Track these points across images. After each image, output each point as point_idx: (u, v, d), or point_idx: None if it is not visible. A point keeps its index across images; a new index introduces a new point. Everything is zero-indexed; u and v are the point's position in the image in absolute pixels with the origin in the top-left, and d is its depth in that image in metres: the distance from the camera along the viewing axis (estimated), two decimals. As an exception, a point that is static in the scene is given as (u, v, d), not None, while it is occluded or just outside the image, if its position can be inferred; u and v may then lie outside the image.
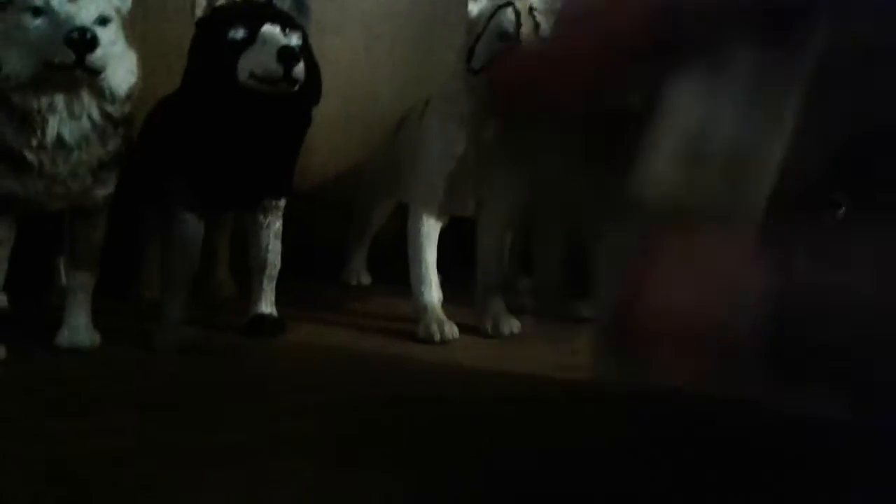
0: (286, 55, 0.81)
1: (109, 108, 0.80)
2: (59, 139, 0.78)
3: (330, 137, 1.38)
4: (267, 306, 0.99)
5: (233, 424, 0.68)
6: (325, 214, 1.36)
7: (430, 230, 1.00)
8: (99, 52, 0.73)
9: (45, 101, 0.76)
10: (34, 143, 0.77)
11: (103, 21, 0.77)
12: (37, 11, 0.74)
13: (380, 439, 0.66)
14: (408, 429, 0.69)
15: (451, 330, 0.97)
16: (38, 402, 0.72)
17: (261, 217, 0.98)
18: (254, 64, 0.82)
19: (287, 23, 0.86)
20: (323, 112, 0.96)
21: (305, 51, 0.87)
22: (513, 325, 1.00)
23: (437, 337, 0.95)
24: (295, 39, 0.86)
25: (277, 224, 0.99)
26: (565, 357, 0.87)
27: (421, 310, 0.99)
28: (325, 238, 1.35)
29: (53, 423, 0.67)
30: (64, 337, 0.87)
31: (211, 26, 0.86)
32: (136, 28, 0.86)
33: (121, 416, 0.70)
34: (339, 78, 1.31)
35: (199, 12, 0.88)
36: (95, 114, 0.79)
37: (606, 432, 0.65)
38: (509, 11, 0.90)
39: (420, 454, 0.63)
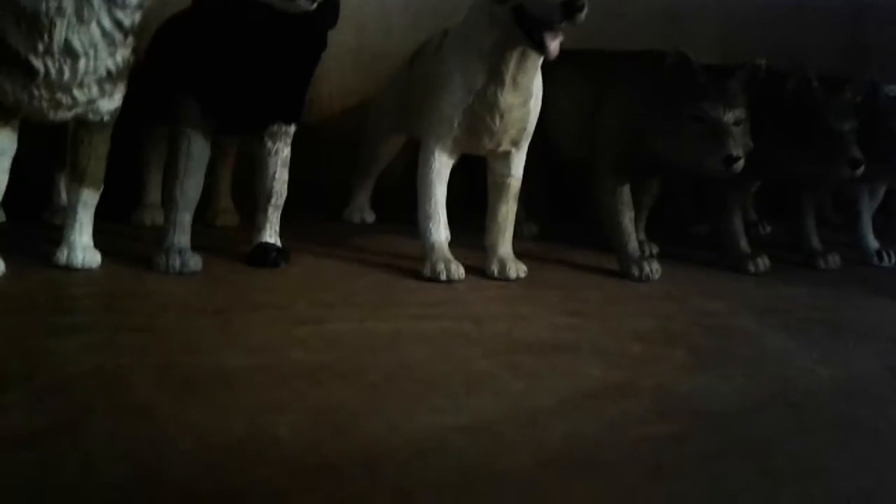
0: (307, -29, 0.77)
1: (120, 15, 0.76)
2: (67, 45, 0.74)
3: (339, 69, 1.35)
4: (271, 236, 0.97)
5: (234, 350, 0.67)
6: (330, 149, 1.34)
7: (442, 167, 0.97)
8: (111, -49, 0.70)
9: (53, 3, 0.72)
10: (41, 47, 0.74)
11: (117, -78, 0.73)
12: None
13: (384, 372, 0.65)
14: (405, 363, 0.67)
15: (458, 270, 0.95)
16: (38, 320, 0.70)
17: (269, 143, 0.95)
18: (273, -22, 0.79)
19: (308, -61, 0.83)
20: (332, 42, 0.93)
21: (326, -32, 0.83)
22: (519, 268, 0.99)
23: (444, 276, 0.94)
24: (315, -45, 0.82)
25: (286, 152, 0.96)
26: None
27: (428, 248, 0.97)
28: (330, 173, 1.33)
29: (54, 342, 0.65)
30: (63, 255, 0.84)
31: (229, -62, 0.82)
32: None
33: (120, 336, 0.68)
34: (350, 7, 1.26)
35: (215, -79, 0.84)
36: (105, 20, 0.75)
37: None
38: (539, -60, 0.86)
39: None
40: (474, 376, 0.65)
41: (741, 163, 0.95)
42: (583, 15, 0.81)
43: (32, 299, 0.76)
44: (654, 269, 1.03)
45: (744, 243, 1.17)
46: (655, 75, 1.00)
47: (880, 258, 1.28)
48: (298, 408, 0.56)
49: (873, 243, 1.31)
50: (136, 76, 0.88)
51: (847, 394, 0.69)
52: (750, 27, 1.71)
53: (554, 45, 0.85)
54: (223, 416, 0.54)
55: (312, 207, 1.26)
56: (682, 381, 0.68)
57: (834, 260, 1.23)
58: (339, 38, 0.97)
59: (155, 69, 0.98)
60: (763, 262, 1.15)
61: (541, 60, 0.90)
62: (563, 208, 1.47)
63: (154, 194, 1.10)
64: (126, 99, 0.84)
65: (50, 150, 1.02)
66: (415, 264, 0.97)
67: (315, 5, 0.80)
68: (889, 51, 1.81)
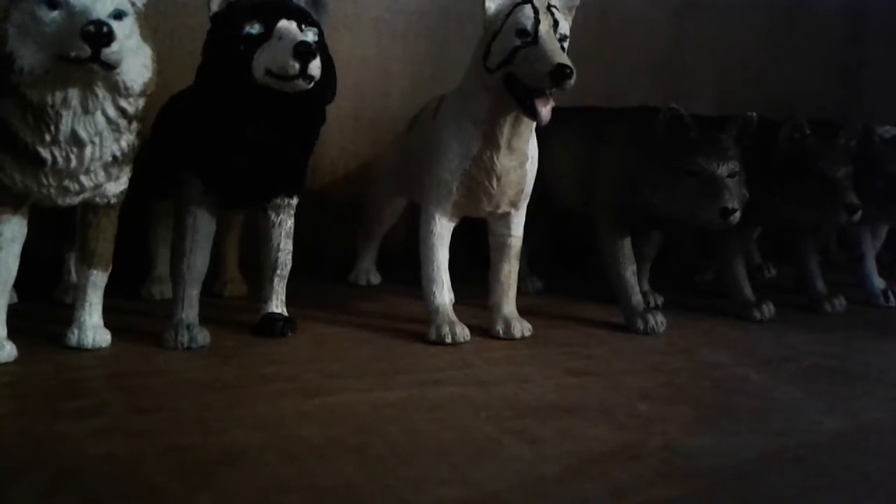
0: (302, 51, 0.80)
1: (124, 104, 0.78)
2: (73, 134, 0.77)
3: (340, 135, 1.37)
4: (278, 306, 0.98)
5: (243, 427, 0.67)
6: (334, 213, 1.36)
7: (443, 230, 0.99)
8: (115, 46, 0.72)
9: (59, 95, 0.75)
10: (48, 138, 0.76)
11: (119, 15, 0.76)
12: (52, 4, 0.73)
13: (392, 444, 0.65)
14: (420, 434, 0.68)
15: (463, 332, 0.96)
16: (52, 404, 0.71)
17: (272, 215, 0.97)
18: (269, 60, 0.81)
19: (303, 18, 0.85)
20: (333, 109, 0.95)
21: (321, 47, 0.86)
22: (524, 327, 0.99)
23: (449, 339, 0.94)
24: (311, 35, 0.85)
25: (289, 223, 0.98)
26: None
27: (432, 311, 0.98)
28: (335, 237, 1.34)
29: (64, 426, 0.66)
30: (74, 336, 0.86)
31: (226, 21, 0.85)
32: (151, 22, 0.85)
33: (131, 418, 0.69)
34: (351, 75, 1.30)
35: (214, 6, 0.87)
36: (110, 109, 0.78)
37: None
38: (527, 9, 0.89)
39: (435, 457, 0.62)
40: (481, 445, 0.65)
41: (737, 215, 0.96)
42: (571, 81, 0.83)
43: (44, 383, 0.77)
44: (658, 321, 1.03)
45: (748, 291, 1.18)
46: (650, 131, 1.02)
47: (886, 298, 1.28)
48: (306, 487, 0.57)
49: (879, 284, 1.31)
50: (143, 154, 0.90)
51: (855, 446, 0.69)
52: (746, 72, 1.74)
53: (545, 111, 0.87)
54: (232, 499, 0.54)
55: (318, 271, 1.27)
56: (690, 440, 0.68)
57: (840, 303, 1.23)
58: (340, 104, 1.00)
59: (159, 147, 1.01)
60: (768, 309, 1.15)
61: (534, 125, 0.92)
62: (567, 260, 1.48)
63: (162, 268, 1.12)
64: (134, 177, 0.87)
65: (60, 230, 1.04)
66: (421, 327, 0.98)
67: (312, 84, 0.82)
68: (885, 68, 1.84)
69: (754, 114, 1.02)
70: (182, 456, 0.61)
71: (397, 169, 1.16)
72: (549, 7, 0.89)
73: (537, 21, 0.87)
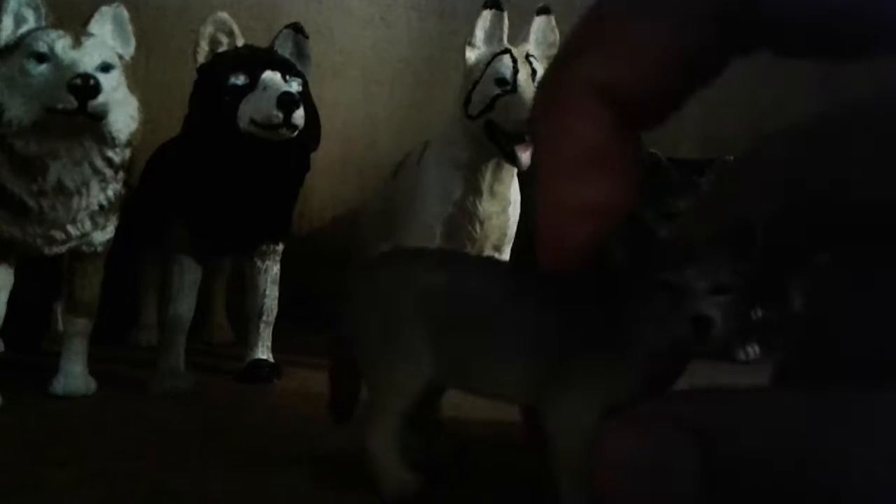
0: (286, 101, 0.81)
1: (110, 154, 0.80)
2: (60, 184, 0.78)
3: (327, 182, 1.39)
4: (263, 352, 0.99)
5: (229, 473, 0.67)
6: (321, 259, 1.37)
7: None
8: (101, 98, 0.74)
9: (46, 146, 0.76)
10: (34, 188, 0.78)
11: (106, 68, 0.78)
12: (41, 58, 0.75)
13: (377, 495, 0.65)
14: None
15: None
16: (34, 451, 0.71)
17: (258, 262, 0.98)
18: (254, 110, 0.83)
19: (288, 69, 0.88)
20: (321, 155, 0.97)
21: (305, 97, 0.88)
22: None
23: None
24: (295, 86, 0.87)
25: (275, 269, 0.99)
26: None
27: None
28: (322, 283, 1.35)
29: (49, 474, 0.66)
30: (60, 384, 0.86)
31: (212, 72, 0.87)
32: (138, 73, 0.87)
33: (113, 465, 0.68)
34: (337, 122, 1.33)
35: (200, 58, 0.89)
36: (97, 159, 0.79)
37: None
38: (506, 58, 0.92)
39: None
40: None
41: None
42: (550, 129, 0.86)
43: (28, 431, 0.77)
44: None
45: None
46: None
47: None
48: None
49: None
50: (130, 204, 0.92)
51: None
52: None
53: (525, 157, 0.89)
54: (212, 546, 0.54)
55: (306, 317, 1.27)
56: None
57: None
58: (327, 151, 1.01)
59: (147, 196, 1.02)
60: (753, 350, 1.16)
61: (515, 170, 0.94)
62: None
63: (149, 315, 1.13)
64: (121, 226, 0.88)
65: (46, 280, 1.05)
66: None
67: (296, 133, 0.84)
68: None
69: (731, 157, 1.04)
70: (163, 502, 0.61)
71: (383, 214, 1.18)
72: (527, 56, 0.92)
73: (516, 70, 0.90)
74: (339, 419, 0.65)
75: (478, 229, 0.96)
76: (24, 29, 0.79)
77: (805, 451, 0.23)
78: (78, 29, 0.80)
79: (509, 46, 0.93)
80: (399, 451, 0.58)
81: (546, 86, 0.32)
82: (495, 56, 0.92)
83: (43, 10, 0.80)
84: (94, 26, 0.82)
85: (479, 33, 0.95)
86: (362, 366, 0.59)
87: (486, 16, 0.95)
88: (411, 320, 0.55)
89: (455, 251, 0.64)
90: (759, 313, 1.53)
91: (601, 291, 0.46)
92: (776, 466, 0.23)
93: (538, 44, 0.95)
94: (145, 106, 0.84)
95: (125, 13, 0.84)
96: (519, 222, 1.01)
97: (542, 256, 0.33)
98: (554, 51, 0.97)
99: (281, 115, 0.81)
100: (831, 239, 0.32)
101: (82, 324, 0.87)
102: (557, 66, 0.31)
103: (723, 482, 0.25)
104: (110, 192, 0.83)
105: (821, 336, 0.34)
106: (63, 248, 0.84)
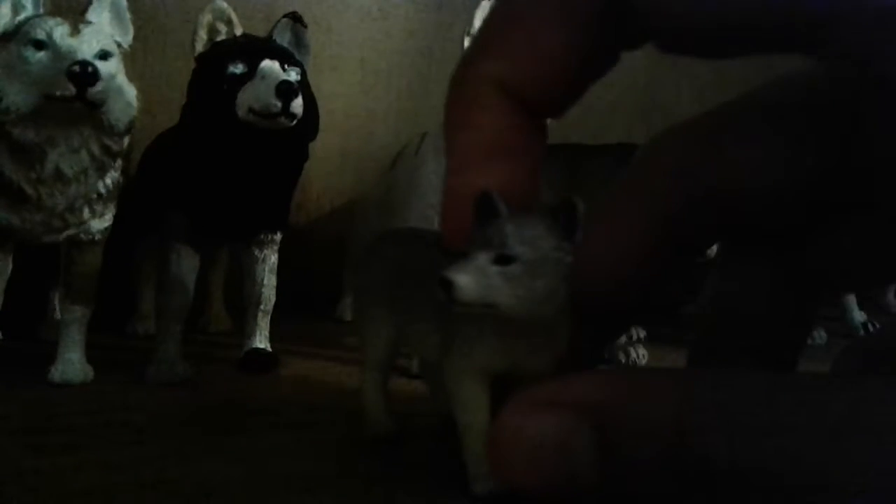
0: (284, 90, 0.81)
1: (108, 142, 0.80)
2: (58, 172, 0.78)
3: (325, 173, 1.39)
4: (261, 341, 0.99)
5: (225, 460, 0.68)
6: (320, 249, 1.37)
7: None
8: (99, 85, 0.74)
9: (44, 134, 0.76)
10: (33, 175, 0.78)
11: (104, 55, 0.78)
12: (39, 45, 0.75)
13: (373, 478, 0.66)
14: (402, 468, 0.68)
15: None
16: (31, 439, 0.71)
17: (256, 251, 0.98)
18: (252, 98, 0.83)
19: (286, 58, 0.88)
20: (319, 146, 0.97)
21: (304, 86, 0.88)
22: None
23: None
24: (294, 75, 0.87)
25: (273, 258, 0.99)
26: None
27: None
28: (320, 273, 1.35)
29: (45, 461, 0.66)
30: (57, 372, 0.86)
31: (210, 61, 0.87)
32: (136, 62, 0.87)
33: (111, 452, 0.69)
34: (335, 114, 1.33)
35: (199, 47, 0.89)
36: (95, 147, 0.79)
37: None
38: (505, 49, 0.91)
39: (414, 496, 0.62)
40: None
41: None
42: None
43: (26, 418, 0.77)
44: (640, 353, 1.04)
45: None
46: (627, 167, 1.04)
47: (867, 331, 1.29)
48: (285, 518, 0.57)
49: (859, 317, 1.32)
50: (128, 193, 0.92)
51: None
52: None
53: (523, 148, 0.89)
54: (210, 531, 0.55)
55: (303, 307, 1.28)
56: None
57: (820, 336, 1.24)
58: (325, 142, 1.02)
59: (145, 185, 1.02)
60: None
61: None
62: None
63: (147, 305, 1.13)
64: (119, 215, 0.88)
65: (43, 267, 1.05)
66: (406, 361, 0.98)
67: (294, 122, 0.84)
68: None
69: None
70: (161, 489, 0.61)
71: (380, 204, 1.18)
72: (525, 47, 0.92)
73: (513, 60, 0.90)
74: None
75: (475, 220, 0.96)
76: (22, 16, 0.79)
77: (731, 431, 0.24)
78: (76, 16, 0.80)
79: (508, 37, 0.93)
80: (382, 398, 0.70)
81: (453, 81, 0.34)
82: (493, 46, 0.92)
83: (41, -2, 0.80)
84: (93, 14, 0.82)
85: (478, 22, 0.95)
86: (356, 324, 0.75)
87: (485, 6, 0.95)
88: (375, 288, 0.67)
89: (431, 231, 0.69)
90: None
91: None
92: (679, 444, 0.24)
93: (537, 34, 0.95)
94: (143, 95, 0.84)
95: (123, 1, 0.85)
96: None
97: (444, 240, 0.37)
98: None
99: (279, 104, 0.81)
100: (726, 231, 0.34)
101: (80, 312, 0.87)
102: (464, 61, 0.33)
103: (623, 464, 0.26)
104: (108, 181, 0.83)
105: (722, 324, 0.36)
106: (61, 236, 0.84)
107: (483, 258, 0.46)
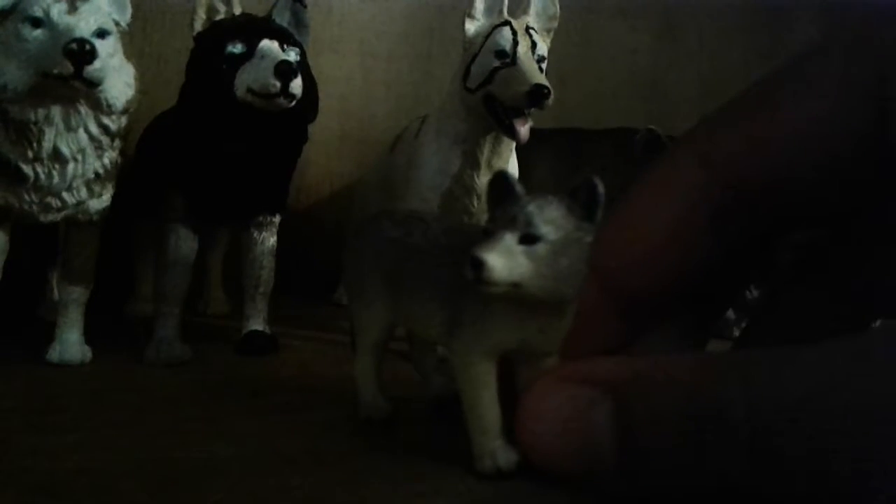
0: (283, 70, 0.81)
1: (106, 121, 0.80)
2: (56, 151, 0.78)
3: (325, 155, 1.39)
4: (259, 323, 0.99)
5: (223, 440, 0.67)
6: (319, 232, 1.37)
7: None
8: (97, 63, 0.73)
9: (42, 112, 0.76)
10: (30, 154, 0.77)
11: (102, 33, 0.77)
12: (36, 23, 0.74)
13: (372, 458, 0.66)
14: (401, 448, 0.68)
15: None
16: (30, 418, 0.71)
17: (255, 233, 0.98)
18: (251, 78, 0.82)
19: (285, 38, 0.87)
20: (318, 130, 0.97)
21: (303, 66, 0.87)
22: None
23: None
24: (293, 55, 0.86)
25: (272, 241, 0.99)
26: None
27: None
28: (320, 256, 1.35)
29: (41, 440, 0.66)
30: (55, 352, 0.86)
31: (209, 41, 0.86)
32: (135, 42, 0.86)
33: (109, 433, 0.69)
34: (335, 96, 1.32)
35: (198, 26, 0.88)
36: (92, 126, 0.79)
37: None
38: (506, 30, 0.91)
39: (414, 472, 0.62)
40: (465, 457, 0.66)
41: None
42: (549, 101, 0.85)
43: (23, 398, 0.77)
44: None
45: (729, 309, 1.19)
46: (628, 152, 1.04)
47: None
48: (286, 499, 0.57)
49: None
50: (127, 173, 0.91)
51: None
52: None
53: (523, 130, 0.88)
54: (208, 510, 0.54)
55: (302, 290, 1.28)
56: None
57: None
58: (325, 124, 1.01)
59: (143, 166, 1.02)
60: None
61: (514, 144, 0.94)
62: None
63: (146, 287, 1.13)
64: (117, 195, 0.87)
65: (41, 247, 1.04)
66: (404, 345, 0.98)
67: (293, 103, 0.83)
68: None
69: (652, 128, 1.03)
70: (160, 470, 0.61)
71: (379, 188, 1.17)
72: (527, 29, 0.91)
73: (516, 42, 0.89)
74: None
75: (475, 203, 0.96)
76: (19, -7, 0.78)
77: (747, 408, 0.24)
78: (74, -6, 0.79)
79: (509, 18, 0.92)
80: (376, 380, 0.71)
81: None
82: (495, 28, 0.91)
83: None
84: (91, -8, 0.81)
85: (479, 5, 0.94)
86: (348, 308, 0.72)
87: None
88: (371, 270, 0.66)
89: (427, 212, 0.69)
90: (754, 292, 1.54)
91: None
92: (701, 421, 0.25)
93: (538, 16, 0.95)
94: (142, 74, 0.84)
95: (122, -20, 0.84)
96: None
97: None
98: (554, 24, 0.96)
99: (278, 84, 0.81)
100: (765, 217, 0.34)
101: (78, 292, 0.87)
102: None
103: (643, 437, 0.26)
104: (106, 160, 0.82)
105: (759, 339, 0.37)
106: (59, 216, 0.83)
107: (509, 238, 0.47)
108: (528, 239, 0.46)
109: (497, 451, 0.56)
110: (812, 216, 0.31)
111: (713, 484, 0.24)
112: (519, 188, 0.45)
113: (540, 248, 0.46)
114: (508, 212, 0.45)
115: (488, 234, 0.47)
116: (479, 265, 0.45)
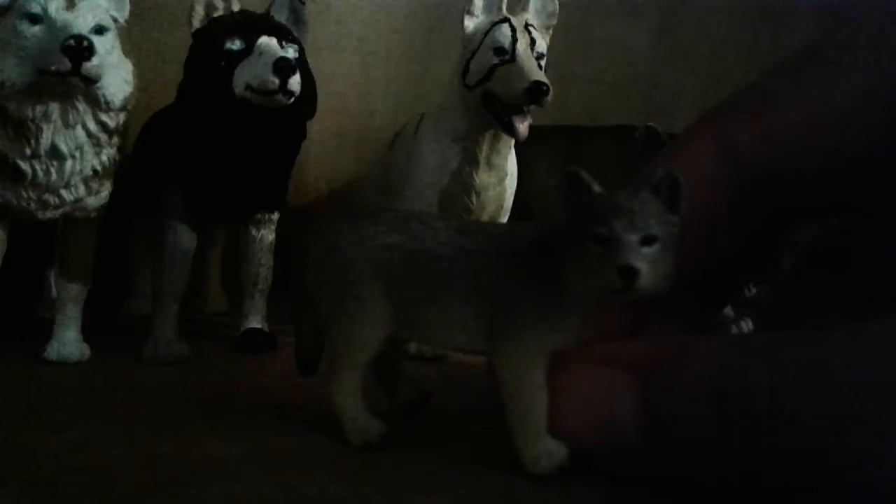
0: (282, 66, 0.81)
1: (104, 118, 0.79)
2: (54, 148, 0.77)
3: (323, 153, 1.38)
4: (258, 321, 0.99)
5: (221, 438, 0.67)
6: (317, 231, 1.36)
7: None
8: (95, 60, 0.73)
9: (39, 109, 0.76)
10: (28, 151, 0.77)
11: (100, 30, 0.77)
12: (34, 19, 0.74)
13: (371, 457, 0.65)
14: (401, 445, 0.68)
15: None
16: (28, 416, 0.71)
17: (253, 231, 0.97)
18: (250, 75, 0.82)
19: (284, 35, 0.87)
20: (317, 127, 0.96)
21: (302, 63, 0.87)
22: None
23: (430, 353, 0.95)
24: (292, 52, 0.86)
25: (270, 238, 0.99)
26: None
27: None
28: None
29: (40, 437, 0.66)
30: (53, 350, 0.86)
31: (208, 37, 0.86)
32: (133, 39, 0.86)
33: (108, 430, 0.68)
34: (333, 93, 1.32)
35: (196, 23, 0.88)
36: (90, 123, 0.79)
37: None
38: (505, 27, 0.91)
39: (412, 470, 0.62)
40: (460, 455, 0.65)
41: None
42: (548, 98, 0.85)
43: (21, 395, 0.77)
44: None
45: (727, 307, 1.19)
46: (627, 149, 1.04)
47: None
48: (283, 495, 0.57)
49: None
50: (125, 170, 0.91)
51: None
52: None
53: (522, 127, 0.88)
54: (207, 508, 0.54)
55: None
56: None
57: (747, 325, 1.24)
58: (323, 122, 1.01)
59: (141, 163, 1.01)
60: (746, 326, 1.16)
61: (513, 141, 0.94)
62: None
63: (144, 285, 1.12)
64: (115, 192, 0.87)
65: (39, 244, 1.04)
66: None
67: (292, 100, 0.83)
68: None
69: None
70: (158, 466, 0.61)
71: (378, 185, 1.17)
72: (526, 26, 0.91)
73: (515, 39, 0.89)
74: (305, 373, 0.71)
75: (474, 200, 0.96)
76: (17, -11, 0.78)
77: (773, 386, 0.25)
78: (72, -10, 0.79)
79: (508, 15, 0.92)
80: (362, 401, 0.65)
81: None
82: (494, 25, 0.91)
83: (36, -28, 0.78)
84: (89, -12, 0.80)
85: (478, 2, 0.94)
86: (325, 323, 0.64)
87: None
88: (368, 279, 0.60)
89: (414, 212, 0.65)
90: (753, 290, 1.53)
91: (539, 244, 0.51)
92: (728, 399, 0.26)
93: (538, 13, 0.94)
94: (140, 71, 0.83)
95: (119, -25, 0.83)
96: (515, 194, 1.00)
97: None
98: (553, 21, 0.96)
99: (277, 81, 0.81)
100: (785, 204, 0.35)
101: (76, 289, 0.87)
102: None
103: (666, 414, 0.28)
104: (104, 157, 0.82)
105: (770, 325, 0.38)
106: (57, 213, 0.83)
107: (633, 240, 0.45)
108: (649, 240, 0.45)
109: (552, 450, 0.54)
110: (822, 206, 0.31)
111: (734, 460, 0.24)
112: (596, 186, 0.44)
113: (656, 248, 0.45)
114: (620, 213, 0.44)
115: (604, 240, 0.45)
116: (634, 275, 0.44)
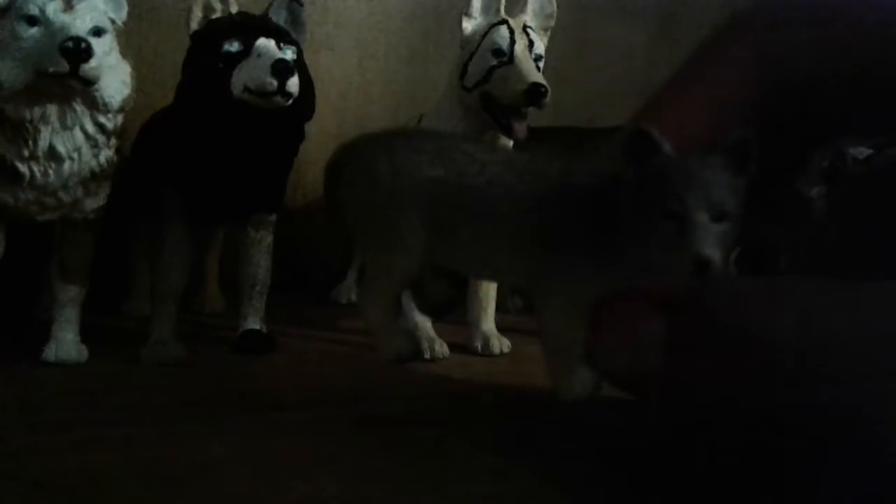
0: (280, 68, 0.81)
1: (102, 120, 0.79)
2: (52, 150, 0.77)
3: (321, 154, 1.37)
4: (256, 322, 0.99)
5: (221, 441, 0.67)
6: (315, 232, 1.36)
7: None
8: (93, 62, 0.73)
9: (37, 111, 0.76)
10: (26, 153, 0.77)
11: (98, 32, 0.77)
12: (32, 21, 0.74)
13: (371, 458, 0.65)
14: (400, 448, 0.68)
15: (442, 348, 0.96)
16: (27, 418, 0.71)
17: (252, 232, 0.98)
18: (248, 77, 0.82)
19: (282, 37, 0.87)
20: (315, 129, 0.96)
21: (300, 65, 0.87)
22: (503, 343, 1.00)
23: (427, 354, 0.95)
24: (290, 53, 0.86)
25: (268, 239, 0.99)
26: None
27: (412, 327, 0.98)
28: (317, 255, 1.35)
29: (39, 439, 0.66)
30: (51, 351, 0.86)
31: (205, 39, 0.86)
32: (131, 40, 0.86)
33: (106, 432, 0.68)
34: (331, 95, 1.32)
35: (194, 25, 0.88)
36: (88, 125, 0.79)
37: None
38: (503, 29, 0.91)
39: (411, 470, 0.62)
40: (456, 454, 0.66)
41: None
42: (546, 100, 0.85)
43: (20, 397, 0.77)
44: None
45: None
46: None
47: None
48: (280, 498, 0.57)
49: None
50: (123, 172, 0.91)
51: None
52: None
53: (520, 129, 0.88)
54: (205, 510, 0.54)
55: (299, 289, 1.27)
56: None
57: None
58: (322, 123, 1.01)
59: (140, 165, 1.01)
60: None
61: (511, 143, 0.94)
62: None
63: (142, 285, 1.13)
64: (113, 194, 0.87)
65: (37, 246, 1.04)
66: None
67: (290, 101, 0.83)
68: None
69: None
70: (157, 468, 0.61)
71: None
72: (524, 28, 0.91)
73: (513, 41, 0.89)
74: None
75: (472, 202, 0.96)
76: (15, -9, 0.78)
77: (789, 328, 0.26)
78: (70, -8, 0.79)
79: (506, 17, 0.93)
80: (395, 320, 0.64)
81: None
82: (492, 27, 0.92)
83: (34, -26, 0.78)
84: (87, -10, 0.80)
85: (476, 3, 0.94)
86: (361, 248, 0.65)
87: None
88: (409, 211, 0.58)
89: (449, 136, 0.63)
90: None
91: (598, 196, 0.49)
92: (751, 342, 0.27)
93: (536, 14, 0.95)
94: (138, 73, 0.83)
95: (117, -23, 0.83)
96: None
97: None
98: (551, 22, 0.96)
99: (275, 83, 0.81)
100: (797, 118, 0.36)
101: (74, 291, 0.87)
102: None
103: (692, 353, 0.30)
104: (102, 159, 0.82)
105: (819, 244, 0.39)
106: (55, 215, 0.83)
107: (706, 218, 0.42)
108: (721, 217, 0.43)
109: (585, 379, 0.53)
110: (847, 124, 0.32)
111: (754, 400, 0.25)
112: (667, 146, 0.41)
113: (726, 225, 0.43)
114: (692, 185, 0.42)
115: (675, 216, 0.44)
116: (707, 265, 0.41)
